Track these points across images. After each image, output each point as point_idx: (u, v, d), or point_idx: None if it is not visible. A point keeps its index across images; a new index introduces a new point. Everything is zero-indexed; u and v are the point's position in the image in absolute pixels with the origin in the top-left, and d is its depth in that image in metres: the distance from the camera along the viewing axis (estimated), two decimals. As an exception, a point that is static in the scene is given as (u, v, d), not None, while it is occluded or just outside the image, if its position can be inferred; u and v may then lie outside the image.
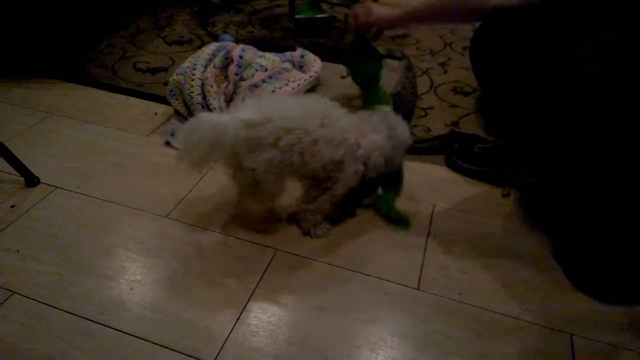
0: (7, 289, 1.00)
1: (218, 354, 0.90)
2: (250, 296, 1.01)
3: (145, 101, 1.67)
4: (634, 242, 1.05)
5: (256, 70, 1.52)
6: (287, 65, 1.58)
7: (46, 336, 0.92)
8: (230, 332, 0.94)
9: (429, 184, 1.35)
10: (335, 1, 2.44)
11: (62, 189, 1.28)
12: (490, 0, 1.07)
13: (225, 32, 2.22)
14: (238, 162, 1.05)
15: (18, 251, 1.09)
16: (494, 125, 1.58)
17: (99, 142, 1.46)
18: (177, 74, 1.51)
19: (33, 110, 1.60)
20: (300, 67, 1.63)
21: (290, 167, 1.04)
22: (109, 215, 1.20)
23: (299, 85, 1.52)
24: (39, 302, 0.98)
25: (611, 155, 1.03)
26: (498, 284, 1.07)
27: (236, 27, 2.32)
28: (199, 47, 1.63)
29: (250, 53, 1.56)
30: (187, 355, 0.89)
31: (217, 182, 1.32)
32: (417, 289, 1.05)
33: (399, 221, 1.20)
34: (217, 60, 1.51)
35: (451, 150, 1.43)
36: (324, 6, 2.33)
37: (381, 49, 1.40)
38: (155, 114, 1.60)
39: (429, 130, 1.56)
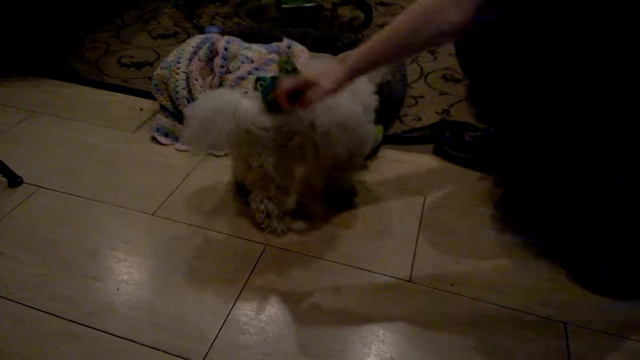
0: (-9, 293, 0.98)
1: (207, 353, 0.89)
2: (240, 293, 1.00)
3: (130, 97, 1.65)
4: (629, 232, 1.04)
5: (242, 62, 1.50)
6: (274, 56, 1.55)
7: (31, 340, 0.90)
8: (219, 331, 0.92)
9: (419, 174, 1.34)
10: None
11: (45, 188, 1.25)
12: (448, 20, 0.84)
13: (211, 24, 2.18)
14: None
15: (2, 253, 1.07)
16: (485, 112, 1.56)
17: (83, 140, 1.44)
18: (161, 68, 1.48)
19: (16, 109, 1.57)
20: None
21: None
22: (95, 215, 1.18)
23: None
24: (24, 305, 0.96)
25: (605, 139, 1.02)
26: (490, 274, 1.06)
27: (222, 19, 2.28)
28: (185, 40, 1.60)
29: (236, 45, 1.53)
30: (176, 355, 0.88)
31: (204, 178, 1.30)
32: (409, 281, 1.04)
33: None
34: (202, 53, 1.48)
35: (442, 139, 1.41)
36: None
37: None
38: (141, 109, 1.57)
39: (420, 119, 1.55)
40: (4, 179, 1.25)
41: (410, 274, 1.05)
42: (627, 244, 1.03)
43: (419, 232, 1.15)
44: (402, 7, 2.40)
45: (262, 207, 1.10)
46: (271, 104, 1.00)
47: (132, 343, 0.90)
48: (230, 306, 0.97)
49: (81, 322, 0.93)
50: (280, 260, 1.08)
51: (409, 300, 1.00)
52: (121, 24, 2.17)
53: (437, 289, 1.02)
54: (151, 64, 1.85)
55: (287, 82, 0.94)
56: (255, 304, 0.98)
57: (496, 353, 0.91)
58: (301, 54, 1.58)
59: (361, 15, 2.27)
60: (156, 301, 0.98)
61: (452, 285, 1.03)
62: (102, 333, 0.91)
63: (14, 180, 1.25)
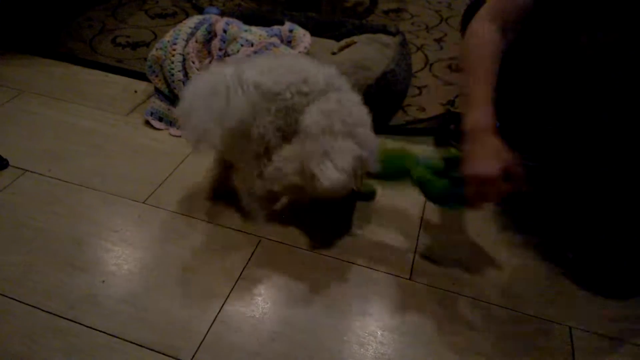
0: (-30, 282, 0.94)
1: (196, 351, 0.84)
2: (232, 288, 0.95)
3: (125, 78, 1.59)
4: (636, 230, 1.00)
5: (241, 45, 1.44)
6: (275, 40, 1.50)
7: (12, 334, 0.85)
8: (209, 328, 0.88)
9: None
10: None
11: (32, 172, 1.20)
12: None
13: (211, 5, 2.11)
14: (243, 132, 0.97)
15: (-17, 240, 1.02)
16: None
17: (74, 122, 1.38)
18: (156, 49, 1.42)
19: (4, 88, 1.51)
20: (289, 42, 1.54)
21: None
22: (82, 201, 1.13)
23: (287, 61, 1.43)
24: (4, 296, 0.91)
25: (615, 135, 0.98)
26: (493, 274, 1.02)
27: (223, 0, 2.22)
28: (182, 21, 1.54)
29: (235, 27, 1.47)
30: (163, 353, 0.84)
31: (199, 165, 1.24)
32: (410, 279, 1.00)
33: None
34: (200, 35, 1.42)
35: (447, 131, 1.37)
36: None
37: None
38: (135, 91, 1.52)
39: (424, 109, 1.50)
40: (-11, 161, 1.20)
41: (411, 271, 1.01)
42: (634, 243, 0.99)
43: (420, 229, 1.11)
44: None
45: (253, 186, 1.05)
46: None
47: (117, 339, 0.85)
48: (222, 302, 0.93)
49: (64, 316, 0.89)
50: (276, 254, 1.03)
51: (409, 298, 0.96)
52: (118, 3, 2.11)
53: (437, 287, 0.99)
54: (147, 45, 1.79)
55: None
56: (248, 300, 0.94)
57: (498, 355, 0.87)
58: (303, 38, 1.52)
59: (366, 0, 2.21)
60: (144, 295, 0.93)
61: (453, 284, 0.99)
62: (86, 328, 0.87)
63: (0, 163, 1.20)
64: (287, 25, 1.56)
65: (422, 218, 1.14)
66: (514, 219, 1.15)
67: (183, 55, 1.39)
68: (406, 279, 1.00)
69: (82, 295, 0.92)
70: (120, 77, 1.59)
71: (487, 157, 0.86)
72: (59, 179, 1.18)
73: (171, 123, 1.38)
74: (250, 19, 1.60)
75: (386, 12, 2.15)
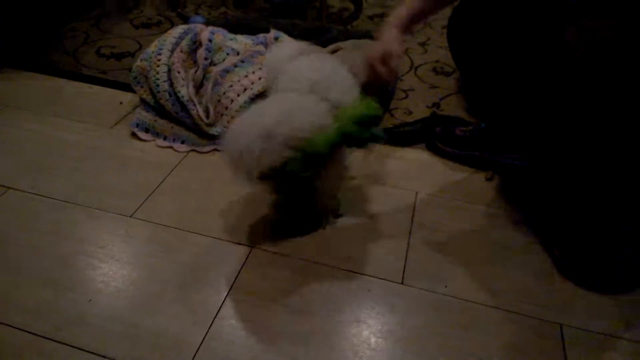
0: (-47, 303, 0.92)
1: (188, 367, 0.83)
2: (223, 301, 0.94)
3: (109, 89, 1.57)
4: (626, 228, 1.00)
5: (227, 54, 1.43)
6: (260, 48, 1.49)
7: (-4, 356, 0.84)
8: (201, 343, 0.87)
9: (410, 170, 1.29)
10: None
11: (15, 189, 1.18)
12: None
13: (196, 14, 2.11)
14: None
15: (-34, 260, 1.00)
16: (476, 106, 1.52)
17: (57, 136, 1.36)
18: (141, 60, 1.41)
19: (-15, 103, 1.49)
20: (274, 50, 1.54)
21: None
22: (67, 218, 1.11)
23: (272, 69, 1.43)
24: (-13, 317, 0.90)
25: (600, 134, 0.98)
26: (484, 275, 1.02)
27: (209, 8, 2.21)
28: (167, 31, 1.53)
29: (221, 36, 1.46)
30: (153, 370, 0.82)
31: (187, 176, 1.24)
32: (402, 283, 1.00)
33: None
34: (185, 44, 1.41)
35: (433, 133, 1.37)
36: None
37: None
38: (121, 103, 1.50)
39: (411, 112, 1.50)
40: (-29, 179, 1.18)
41: (402, 275, 1.01)
42: (621, 240, 1.00)
43: (410, 232, 1.11)
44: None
45: None
46: None
47: (105, 359, 0.83)
48: (214, 315, 0.91)
49: (50, 337, 0.86)
50: (267, 263, 1.02)
51: (402, 303, 0.96)
52: (101, 13, 2.09)
53: (430, 291, 0.98)
54: (132, 55, 1.77)
55: (373, 52, 1.07)
56: (240, 312, 0.92)
57: (491, 356, 0.87)
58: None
59: (351, 6, 2.21)
60: (133, 312, 0.92)
61: (445, 286, 0.99)
62: (72, 348, 0.85)
63: (-18, 180, 1.18)
64: (273, 32, 1.56)
65: (412, 220, 1.14)
66: (504, 218, 1.16)
67: (168, 65, 1.38)
68: (398, 283, 0.99)
69: (69, 315, 0.90)
70: (105, 88, 1.57)
71: (379, 45, 1.08)
72: (43, 195, 1.16)
73: (158, 134, 1.36)
74: (235, 28, 1.60)
75: (371, 18, 2.16)
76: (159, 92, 1.36)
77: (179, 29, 1.47)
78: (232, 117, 1.33)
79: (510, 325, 0.93)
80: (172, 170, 1.25)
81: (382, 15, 2.17)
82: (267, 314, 0.93)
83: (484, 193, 1.23)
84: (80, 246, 1.04)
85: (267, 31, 1.57)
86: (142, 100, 1.42)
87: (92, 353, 0.84)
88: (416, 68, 1.75)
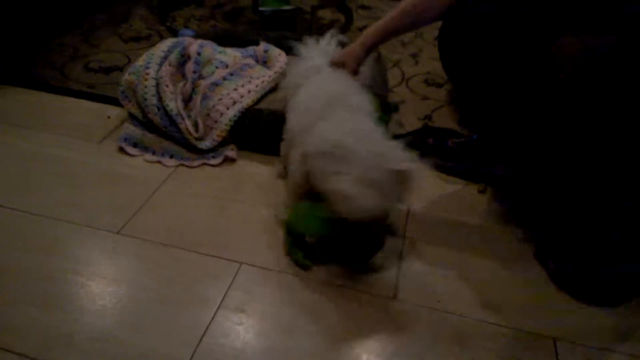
0: None
1: (175, 388, 0.81)
2: (212, 319, 0.92)
3: (97, 104, 1.55)
4: (619, 238, 0.99)
5: (216, 67, 1.43)
6: (250, 61, 1.49)
7: (-21, 379, 0.81)
8: (189, 362, 0.85)
9: (403, 183, 1.28)
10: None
11: None
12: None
13: (186, 27, 2.10)
14: None
15: (-53, 280, 0.98)
16: (468, 117, 1.52)
17: (42, 152, 1.34)
18: (129, 74, 1.40)
19: (-30, 119, 1.47)
20: (265, 63, 1.53)
21: None
22: (52, 235, 1.09)
23: (263, 82, 1.43)
24: (-29, 339, 0.87)
25: (590, 145, 0.98)
26: (477, 289, 1.01)
27: (198, 22, 2.21)
28: (157, 44, 1.52)
29: (210, 49, 1.45)
30: (140, 392, 0.80)
31: (176, 191, 1.22)
32: (394, 298, 0.98)
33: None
34: (173, 58, 1.40)
35: (425, 146, 1.36)
36: (290, -3, 2.23)
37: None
38: (109, 117, 1.48)
39: (402, 124, 1.49)
40: (-46, 196, 1.16)
41: (395, 290, 0.99)
42: (615, 251, 1.00)
43: (403, 246, 1.10)
44: (383, 10, 2.37)
45: None
46: None
47: (92, 380, 0.81)
48: (201, 334, 0.89)
49: (37, 357, 0.84)
50: (257, 280, 1.01)
51: (394, 319, 0.94)
52: (90, 27, 2.08)
53: (423, 306, 0.97)
54: (121, 69, 1.76)
55: (334, 59, 1.18)
56: (229, 330, 0.90)
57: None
58: (278, 58, 1.51)
59: (342, 18, 2.22)
60: (120, 330, 0.89)
61: (438, 301, 0.98)
62: (59, 370, 0.83)
63: (-34, 197, 1.15)
64: (262, 45, 1.56)
65: (405, 233, 1.13)
66: (496, 230, 1.15)
67: (156, 79, 1.37)
68: (391, 298, 0.98)
69: (55, 335, 0.88)
70: (93, 103, 1.56)
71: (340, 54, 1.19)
72: (27, 212, 1.14)
73: (146, 149, 1.35)
74: (224, 40, 1.59)
75: (361, 29, 2.16)
76: (147, 106, 1.35)
77: (168, 42, 1.46)
78: (222, 131, 1.32)
79: (504, 340, 0.91)
80: (161, 186, 1.23)
81: (372, 28, 2.17)
82: (257, 332, 0.91)
83: (477, 206, 1.22)
84: (66, 264, 1.02)
85: (257, 44, 1.56)
86: (130, 115, 1.41)
87: (78, 375, 0.82)
88: (408, 80, 1.75)
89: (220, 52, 1.46)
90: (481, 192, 1.27)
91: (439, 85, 1.71)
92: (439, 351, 0.89)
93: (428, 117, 1.54)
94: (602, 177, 0.99)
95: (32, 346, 0.86)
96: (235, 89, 1.37)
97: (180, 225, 1.12)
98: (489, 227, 1.16)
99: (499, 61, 1.06)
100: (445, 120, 1.52)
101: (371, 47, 1.17)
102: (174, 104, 1.34)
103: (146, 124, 1.38)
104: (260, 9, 2.03)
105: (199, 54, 1.41)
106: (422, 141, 1.39)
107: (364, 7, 2.41)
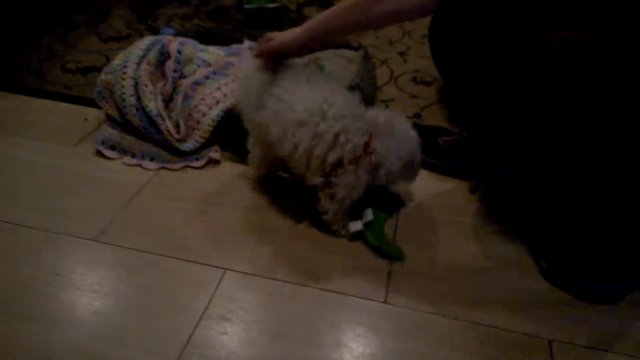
0: None
1: (155, 405, 0.76)
2: (195, 328, 0.87)
3: (74, 105, 1.50)
4: (611, 235, 0.97)
5: (198, 66, 1.37)
6: (233, 59, 1.44)
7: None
8: (169, 377, 0.80)
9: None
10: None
11: (-32, 214, 1.10)
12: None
13: (167, 26, 2.04)
14: None
15: None
16: (458, 115, 1.49)
17: (15, 156, 1.28)
18: (105, 74, 1.34)
19: None
20: (249, 61, 1.48)
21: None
22: (24, 243, 1.03)
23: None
24: None
25: (581, 143, 0.96)
26: (470, 290, 0.98)
27: (181, 20, 2.15)
28: (135, 42, 1.47)
29: (191, 47, 1.40)
30: (116, 411, 0.75)
31: (156, 195, 1.17)
32: (385, 302, 0.94)
33: (393, 253, 1.04)
34: (152, 56, 1.35)
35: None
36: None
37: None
38: (86, 119, 1.43)
39: (391, 123, 1.46)
40: None
41: (386, 294, 0.96)
42: (607, 250, 0.97)
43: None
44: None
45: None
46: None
47: (64, 398, 0.76)
48: (183, 345, 0.84)
49: (3, 374, 0.79)
50: (242, 286, 0.96)
51: (385, 324, 0.91)
52: (68, 27, 2.02)
53: (414, 309, 0.93)
54: (99, 69, 1.68)
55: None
56: (213, 340, 0.86)
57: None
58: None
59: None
60: (96, 344, 0.84)
61: (429, 304, 0.94)
62: (29, 388, 0.77)
63: None
64: (247, 43, 1.51)
65: (395, 234, 1.09)
66: (489, 230, 1.12)
67: (135, 78, 1.32)
68: (381, 302, 0.94)
69: (26, 350, 0.82)
70: (70, 105, 1.50)
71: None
72: (-1, 219, 1.08)
73: (125, 151, 1.29)
74: (207, 39, 1.54)
75: (348, 27, 2.12)
76: (125, 107, 1.30)
77: (146, 40, 1.41)
78: (205, 132, 1.27)
79: (497, 342, 0.89)
80: (141, 190, 1.18)
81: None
82: (242, 341, 0.86)
83: (468, 204, 1.19)
84: (37, 273, 0.97)
85: (241, 42, 1.52)
86: (108, 116, 1.35)
87: (48, 394, 0.77)
88: (396, 78, 1.72)
89: (202, 51, 1.42)
90: (472, 190, 1.24)
91: (428, 83, 1.68)
92: (431, 355, 0.85)
93: (417, 116, 1.51)
94: (589, 178, 0.96)
95: (0, 362, 0.80)
96: (219, 88, 1.32)
97: (161, 231, 1.07)
98: (480, 226, 1.13)
99: (490, 57, 1.04)
100: (435, 118, 1.50)
101: (313, 34, 1.04)
102: (153, 104, 1.29)
103: (125, 125, 1.33)
104: (245, 6, 1.98)
105: (179, 52, 1.36)
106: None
107: (349, 5, 2.38)
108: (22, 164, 1.25)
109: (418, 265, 1.03)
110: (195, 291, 0.94)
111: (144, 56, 1.36)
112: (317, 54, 1.53)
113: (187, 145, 1.27)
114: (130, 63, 1.33)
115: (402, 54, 1.89)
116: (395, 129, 1.03)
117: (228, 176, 1.24)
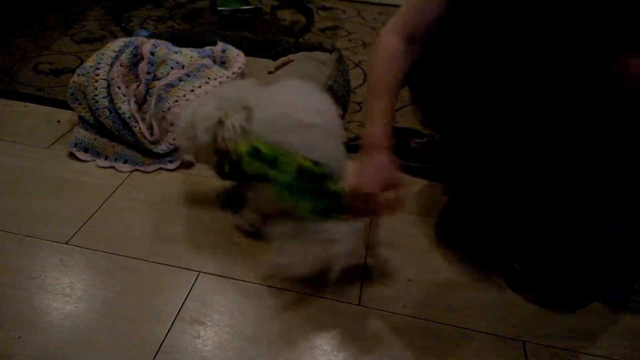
0: None
1: (127, 409, 0.76)
2: (167, 333, 0.87)
3: (47, 107, 1.48)
4: (576, 237, 0.99)
5: (171, 67, 1.37)
6: (207, 61, 1.44)
7: None
8: (142, 380, 0.80)
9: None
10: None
11: None
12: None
13: (141, 28, 2.03)
14: None
15: None
16: (430, 117, 1.51)
17: (-14, 159, 1.26)
18: (78, 75, 1.33)
19: None
20: (222, 63, 1.49)
21: None
22: (-4, 247, 1.02)
23: (220, 82, 1.37)
24: None
25: (544, 145, 0.99)
26: (443, 292, 0.99)
27: (155, 23, 2.14)
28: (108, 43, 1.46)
29: (164, 49, 1.39)
30: (87, 415, 0.75)
31: (130, 197, 1.16)
32: (359, 304, 0.95)
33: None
34: (125, 58, 1.34)
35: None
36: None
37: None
38: (58, 121, 1.41)
39: (364, 125, 1.47)
40: None
41: (360, 296, 0.97)
42: (574, 252, 0.99)
43: (366, 250, 1.07)
44: (344, 12, 2.35)
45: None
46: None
47: (34, 404, 0.75)
48: (156, 349, 0.84)
49: (-29, 382, 0.78)
50: (215, 289, 0.96)
51: (360, 326, 0.91)
52: (40, 28, 1.99)
53: (388, 311, 0.94)
54: (72, 71, 1.68)
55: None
56: (186, 345, 0.86)
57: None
58: (237, 59, 1.47)
59: (302, 19, 2.19)
60: (67, 349, 0.83)
61: (404, 306, 0.96)
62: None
63: None
64: (220, 45, 1.51)
65: (368, 238, 1.10)
66: (461, 232, 1.14)
67: (107, 80, 1.30)
68: (355, 304, 0.95)
69: (-4, 356, 0.82)
70: (42, 106, 1.48)
71: (372, 173, 0.87)
72: (-32, 223, 1.06)
73: (98, 154, 1.28)
74: (181, 41, 1.54)
75: (322, 30, 2.14)
76: (98, 109, 1.28)
77: (119, 41, 1.39)
78: (179, 134, 1.27)
79: (472, 343, 0.90)
80: (114, 192, 1.17)
81: (333, 28, 2.16)
82: (216, 345, 0.86)
83: (441, 206, 1.21)
84: (8, 277, 0.95)
85: (215, 44, 1.52)
86: (81, 118, 1.34)
87: (17, 401, 0.76)
88: (369, 80, 1.73)
89: (175, 52, 1.41)
90: (445, 192, 1.26)
91: (401, 86, 1.70)
92: (407, 358, 0.86)
93: (391, 118, 1.52)
94: (558, 175, 0.99)
95: (-31, 369, 0.79)
96: (192, 90, 1.32)
97: (134, 234, 1.07)
98: (453, 228, 1.15)
99: (453, 62, 1.05)
100: (407, 120, 1.52)
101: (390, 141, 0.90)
102: (126, 107, 1.28)
103: (98, 127, 1.32)
104: (219, 9, 1.98)
105: (152, 53, 1.35)
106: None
107: (325, 8, 2.40)
108: (-7, 167, 1.23)
109: (391, 267, 1.04)
110: (168, 294, 0.94)
111: (116, 57, 1.35)
112: (291, 56, 1.54)
113: (161, 148, 1.27)
114: (102, 64, 1.32)
115: (376, 57, 1.91)
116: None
117: (201, 178, 1.24)
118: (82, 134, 1.31)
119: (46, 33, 1.95)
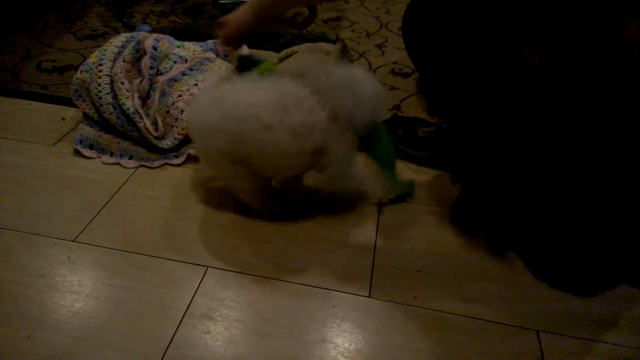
0: None
1: (138, 406, 0.75)
2: (177, 329, 0.86)
3: (51, 105, 1.47)
4: (592, 225, 0.98)
5: (174, 62, 1.36)
6: (210, 55, 1.43)
7: None
8: (152, 377, 0.79)
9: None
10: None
11: (-58, 218, 1.08)
12: None
13: (143, 23, 2.02)
14: None
15: None
16: (437, 106, 1.50)
17: (-8, 157, 1.25)
18: (81, 72, 1.32)
19: None
20: (226, 57, 1.47)
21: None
22: (4, 247, 1.01)
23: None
24: None
25: (561, 132, 0.97)
26: (454, 282, 0.98)
27: (157, 17, 2.13)
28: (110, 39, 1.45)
29: (167, 43, 1.38)
30: (99, 413, 0.74)
31: (136, 194, 1.16)
32: (369, 296, 0.94)
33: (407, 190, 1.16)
34: (127, 53, 1.33)
35: (395, 136, 1.33)
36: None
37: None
38: (63, 119, 1.40)
39: (371, 116, 1.46)
40: None
41: (370, 288, 0.96)
42: (588, 239, 0.97)
43: (376, 240, 1.06)
44: (347, 2, 2.33)
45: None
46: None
47: (45, 402, 0.75)
48: (165, 346, 0.84)
49: (-19, 381, 0.78)
50: (224, 284, 0.95)
51: (370, 318, 0.90)
52: (43, 26, 1.98)
53: (399, 303, 0.93)
54: (75, 68, 1.67)
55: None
56: (196, 340, 0.85)
57: (467, 371, 0.83)
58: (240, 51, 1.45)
59: (305, 10, 2.17)
60: (77, 347, 0.83)
61: (415, 297, 0.94)
62: (7, 394, 0.76)
63: None
64: (223, 39, 1.49)
65: (377, 227, 1.09)
66: (471, 221, 1.12)
67: (110, 76, 1.30)
68: (365, 296, 0.94)
69: (4, 354, 0.81)
70: (46, 104, 1.47)
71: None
72: (-25, 223, 1.06)
73: (103, 150, 1.27)
74: (183, 35, 1.53)
75: (325, 21, 2.12)
76: (102, 105, 1.28)
77: (121, 37, 1.38)
78: (183, 129, 1.26)
79: (485, 334, 0.89)
80: (120, 188, 1.17)
81: (337, 19, 2.14)
82: (226, 340, 0.86)
83: (450, 195, 1.19)
84: (16, 276, 0.95)
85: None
86: (85, 115, 1.33)
87: (27, 399, 0.75)
88: (375, 70, 1.72)
89: (178, 47, 1.40)
90: (454, 181, 1.24)
91: (406, 75, 1.69)
92: (418, 349, 0.86)
93: (397, 107, 1.51)
94: (571, 165, 0.97)
95: (-21, 369, 0.79)
96: (196, 84, 1.31)
97: (141, 230, 1.06)
98: (463, 218, 1.13)
99: (463, 49, 1.04)
100: (414, 109, 1.50)
101: (261, 10, 1.05)
102: (130, 102, 1.27)
103: (102, 124, 1.31)
104: (221, 2, 1.97)
105: (154, 48, 1.34)
106: (392, 131, 1.35)
107: (328, -2, 2.37)
108: (0, 165, 1.23)
109: (401, 257, 1.03)
110: (177, 290, 0.93)
111: (119, 53, 1.34)
112: (295, 48, 1.52)
113: (166, 143, 1.26)
114: (105, 60, 1.31)
115: (379, 46, 1.90)
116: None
117: (207, 173, 1.23)
118: (86, 130, 1.30)
119: (48, 30, 1.95)
